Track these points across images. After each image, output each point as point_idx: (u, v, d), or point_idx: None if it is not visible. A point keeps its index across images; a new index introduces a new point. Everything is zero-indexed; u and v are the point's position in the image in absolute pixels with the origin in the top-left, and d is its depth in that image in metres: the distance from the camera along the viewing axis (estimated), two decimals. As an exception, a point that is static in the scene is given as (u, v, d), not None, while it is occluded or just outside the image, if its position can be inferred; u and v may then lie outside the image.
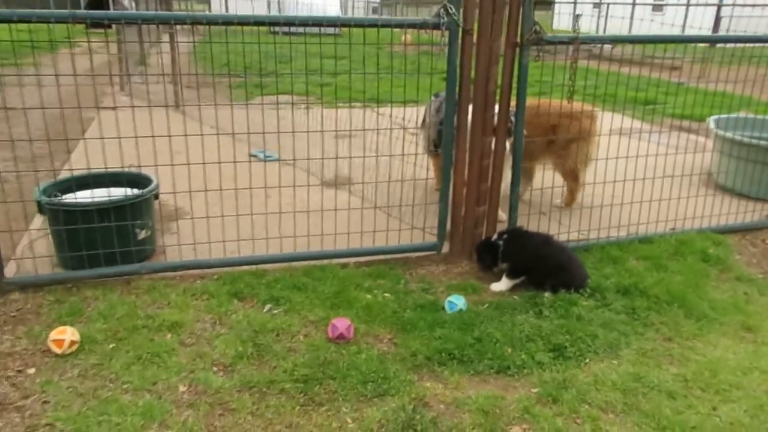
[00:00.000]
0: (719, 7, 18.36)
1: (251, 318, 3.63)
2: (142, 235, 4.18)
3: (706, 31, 15.63)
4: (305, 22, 3.71)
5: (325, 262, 4.29)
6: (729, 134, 5.94)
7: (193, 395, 3.03)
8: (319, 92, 9.53)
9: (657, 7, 23.68)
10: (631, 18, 20.26)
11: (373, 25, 3.80)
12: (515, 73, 4.06)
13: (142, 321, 3.55)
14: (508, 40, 4.00)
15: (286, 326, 3.59)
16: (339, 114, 6.21)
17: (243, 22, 3.64)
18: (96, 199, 3.99)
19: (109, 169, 4.36)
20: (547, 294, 3.96)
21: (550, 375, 3.25)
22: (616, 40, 5.14)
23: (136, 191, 4.23)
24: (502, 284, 4.16)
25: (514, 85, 4.10)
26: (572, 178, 5.57)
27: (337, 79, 6.84)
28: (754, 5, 16.05)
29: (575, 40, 4.04)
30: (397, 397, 3.05)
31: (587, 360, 3.39)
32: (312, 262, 4.25)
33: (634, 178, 4.84)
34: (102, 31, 3.69)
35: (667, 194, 5.15)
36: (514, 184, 4.34)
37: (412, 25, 3.88)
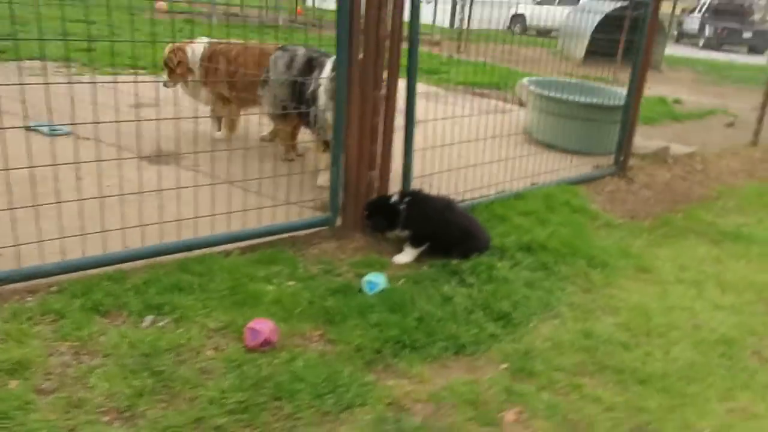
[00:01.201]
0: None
1: (131, 338, 2.65)
2: None
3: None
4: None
5: (198, 252, 3.39)
6: (552, 93, 6.29)
7: (89, 465, 2.06)
8: (83, 57, 7.95)
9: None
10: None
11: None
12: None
13: (-43, 371, 2.35)
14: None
15: (184, 341, 2.70)
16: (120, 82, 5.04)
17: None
18: None
19: None
20: (454, 261, 3.66)
21: (509, 346, 2.96)
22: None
23: None
24: (407, 255, 3.75)
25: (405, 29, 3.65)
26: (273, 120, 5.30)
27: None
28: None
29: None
30: (368, 407, 2.47)
31: (532, 323, 3.18)
32: (183, 255, 3.31)
33: (461, 141, 4.61)
34: None
35: (501, 155, 5.05)
36: (409, 141, 3.92)
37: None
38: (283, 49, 4.88)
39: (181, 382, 2.46)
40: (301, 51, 4.79)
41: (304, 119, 4.77)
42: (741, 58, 21.45)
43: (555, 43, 15.66)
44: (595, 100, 6.17)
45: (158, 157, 4.61)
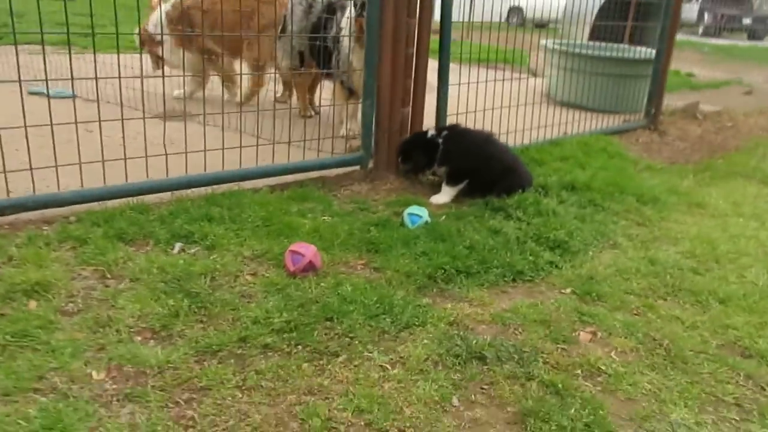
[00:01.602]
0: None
1: (161, 263, 2.40)
2: None
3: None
4: None
5: (225, 187, 3.13)
6: (578, 50, 6.04)
7: (125, 382, 1.80)
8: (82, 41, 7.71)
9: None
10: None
11: None
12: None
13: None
14: None
15: (219, 267, 2.44)
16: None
17: None
18: None
19: None
20: (496, 199, 3.41)
21: (570, 272, 2.72)
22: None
23: None
24: (445, 195, 3.50)
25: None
26: (257, 70, 5.02)
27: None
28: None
29: None
30: (429, 326, 2.22)
31: (591, 252, 2.94)
32: (209, 189, 3.06)
33: (493, 107, 4.28)
34: None
35: (527, 113, 4.76)
36: (444, 75, 3.68)
37: None
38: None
39: (221, 304, 2.21)
40: (320, -5, 4.55)
41: (325, 69, 4.53)
42: (742, 43, 21.28)
43: (555, 31, 15.46)
44: (622, 55, 5.93)
45: (170, 117, 4.35)
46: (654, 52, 5.45)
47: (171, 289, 2.25)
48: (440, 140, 3.47)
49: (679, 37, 19.73)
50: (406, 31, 3.43)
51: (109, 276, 2.32)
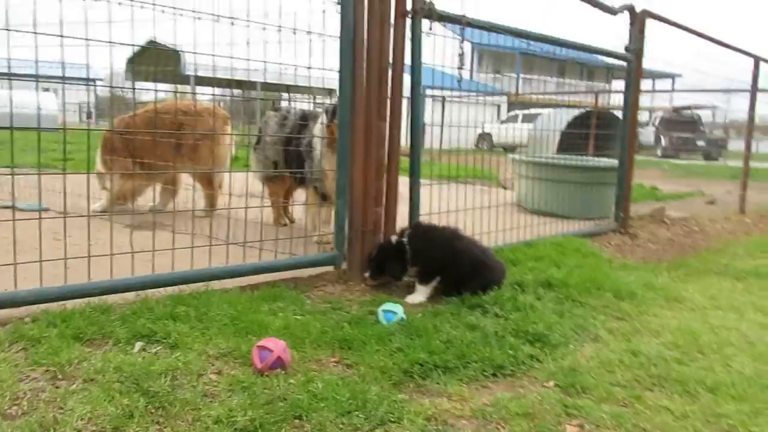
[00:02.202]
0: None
1: (119, 362, 2.24)
2: None
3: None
4: None
5: (193, 287, 3.03)
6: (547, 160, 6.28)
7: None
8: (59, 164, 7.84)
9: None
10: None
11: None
12: (408, 46, 3.58)
13: None
14: (398, 9, 3.52)
15: (181, 365, 2.29)
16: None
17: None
18: None
19: None
20: (473, 297, 3.34)
21: (552, 365, 2.61)
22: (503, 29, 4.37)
23: None
24: (420, 294, 3.43)
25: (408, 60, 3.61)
26: (205, 182, 5.19)
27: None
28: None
29: (463, 18, 3.77)
30: (406, 422, 2.07)
31: (572, 345, 2.85)
32: (176, 289, 2.96)
33: (465, 207, 4.44)
34: None
35: (499, 218, 4.86)
36: (415, 175, 3.74)
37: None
38: (275, 109, 4.81)
39: (180, 403, 2.04)
40: (294, 109, 4.74)
41: (298, 178, 4.61)
42: (699, 162, 22.49)
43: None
44: (589, 163, 6.17)
45: (139, 225, 4.32)
46: (617, 161, 5.69)
47: (127, 389, 2.08)
48: (405, 241, 3.44)
49: (640, 157, 20.86)
50: (376, 134, 3.53)
51: (60, 377, 2.15)
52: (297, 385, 2.24)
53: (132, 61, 23.09)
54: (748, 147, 8.39)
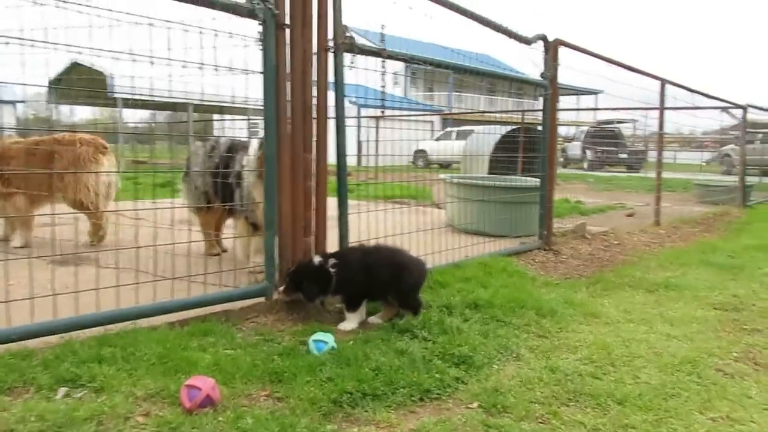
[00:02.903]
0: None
1: (41, 410, 2.20)
2: None
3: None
4: None
5: (120, 326, 2.99)
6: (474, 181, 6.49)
7: None
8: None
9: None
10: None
11: None
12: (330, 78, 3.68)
13: None
14: (320, 43, 3.62)
15: (107, 409, 2.27)
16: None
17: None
18: None
19: None
20: (401, 321, 3.45)
21: (476, 386, 2.73)
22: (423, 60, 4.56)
23: None
24: (351, 321, 3.50)
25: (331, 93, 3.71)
26: (84, 209, 5.21)
27: None
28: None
29: (383, 51, 3.91)
30: (333, 453, 2.13)
31: (495, 365, 2.98)
32: (101, 330, 2.91)
33: (394, 233, 4.51)
34: None
35: (429, 240, 5.00)
36: (343, 205, 3.83)
37: (226, 8, 3.19)
38: (203, 140, 4.81)
39: (105, 450, 2.03)
40: (222, 139, 4.74)
41: (228, 208, 4.61)
42: (622, 174, 23.67)
43: (458, 169, 16.63)
44: (513, 183, 6.43)
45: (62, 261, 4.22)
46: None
47: (49, 439, 2.06)
48: (331, 269, 3.45)
49: (568, 171, 21.71)
50: (303, 165, 3.60)
51: (-23, 429, 2.10)
52: (227, 422, 2.27)
53: (56, 82, 22.29)
54: (659, 162, 8.92)
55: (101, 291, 3.02)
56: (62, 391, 2.37)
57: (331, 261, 3.51)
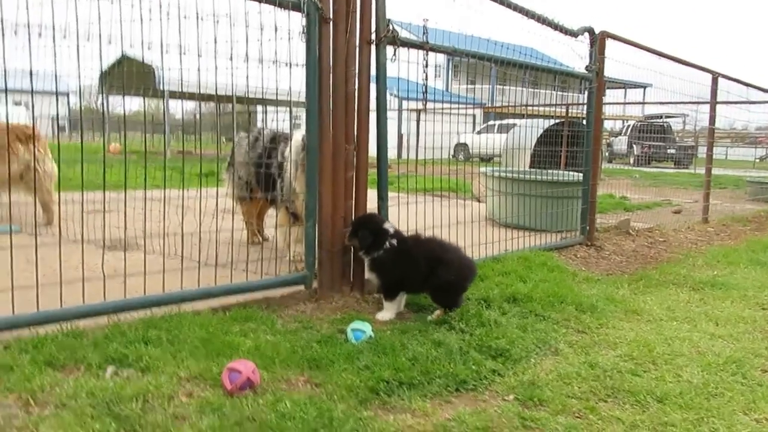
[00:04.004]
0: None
1: (90, 387, 2.31)
2: None
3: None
4: None
5: (165, 309, 3.10)
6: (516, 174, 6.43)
7: None
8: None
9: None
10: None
11: None
12: (373, 73, 3.70)
13: None
14: (363, 36, 3.65)
15: (153, 389, 2.36)
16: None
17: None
18: None
19: None
20: (434, 314, 3.44)
21: (512, 379, 2.73)
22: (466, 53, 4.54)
23: None
24: (388, 311, 3.53)
25: (373, 86, 3.73)
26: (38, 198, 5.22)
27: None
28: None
29: (426, 45, 3.91)
30: (370, 438, 2.16)
31: (533, 359, 2.97)
32: (148, 312, 3.02)
33: (433, 225, 4.46)
34: None
35: (469, 233, 4.95)
36: (383, 199, 3.85)
37: (271, 1, 3.25)
38: (247, 130, 4.90)
39: (151, 426, 2.12)
40: (266, 131, 4.82)
41: (271, 197, 4.69)
42: (670, 170, 23.02)
43: (498, 163, 16.45)
44: (557, 178, 6.35)
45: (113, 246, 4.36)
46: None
47: (98, 414, 2.15)
48: (390, 236, 3.49)
49: (613, 166, 21.24)
50: (344, 156, 3.64)
51: (33, 403, 2.21)
52: (266, 405, 2.32)
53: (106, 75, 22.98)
54: (709, 159, 8.66)
55: (148, 274, 3.13)
56: (110, 369, 2.48)
57: (393, 230, 3.56)
